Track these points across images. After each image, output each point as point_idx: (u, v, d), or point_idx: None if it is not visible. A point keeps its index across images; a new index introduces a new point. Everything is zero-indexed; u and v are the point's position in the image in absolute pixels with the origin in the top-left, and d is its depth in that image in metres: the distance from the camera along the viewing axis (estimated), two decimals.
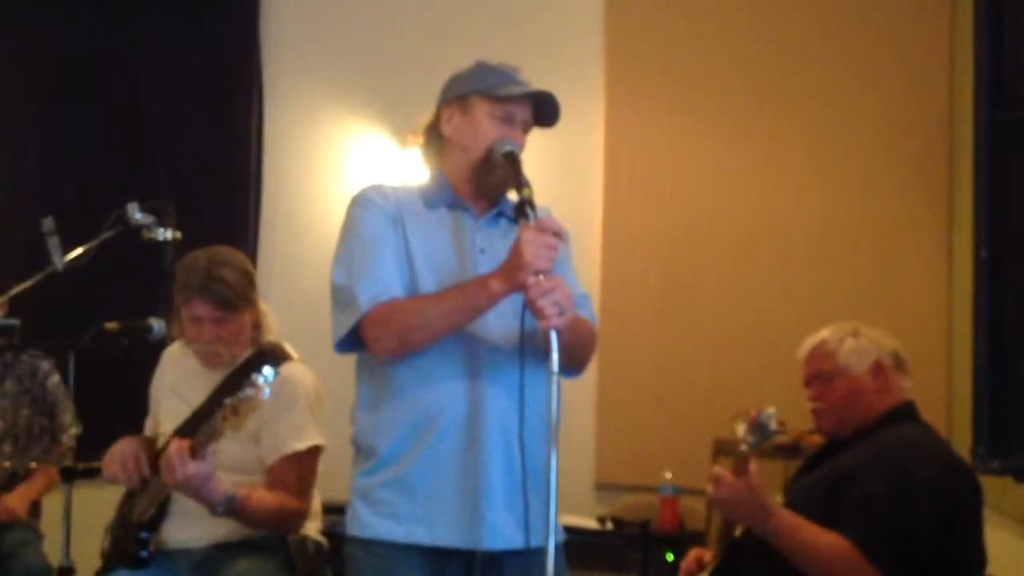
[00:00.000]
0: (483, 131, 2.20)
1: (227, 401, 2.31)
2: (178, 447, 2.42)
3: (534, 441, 2.10)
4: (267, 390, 2.26)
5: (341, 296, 2.15)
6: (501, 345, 2.13)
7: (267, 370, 2.29)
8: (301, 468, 2.68)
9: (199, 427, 2.46)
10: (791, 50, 4.29)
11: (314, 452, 2.72)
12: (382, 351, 2.12)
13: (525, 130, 2.24)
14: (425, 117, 2.31)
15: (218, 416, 2.34)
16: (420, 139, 2.32)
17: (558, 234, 2.05)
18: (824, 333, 2.60)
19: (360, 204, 2.22)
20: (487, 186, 2.22)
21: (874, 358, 2.52)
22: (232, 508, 2.53)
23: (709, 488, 2.43)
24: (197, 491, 2.48)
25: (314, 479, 2.74)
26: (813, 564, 2.33)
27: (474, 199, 2.24)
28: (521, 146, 2.22)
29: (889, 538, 2.28)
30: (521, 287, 2.03)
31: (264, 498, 2.60)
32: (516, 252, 2.02)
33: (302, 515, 2.70)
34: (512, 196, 2.20)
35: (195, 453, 2.41)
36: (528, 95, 2.22)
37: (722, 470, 2.43)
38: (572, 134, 4.40)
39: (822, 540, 2.33)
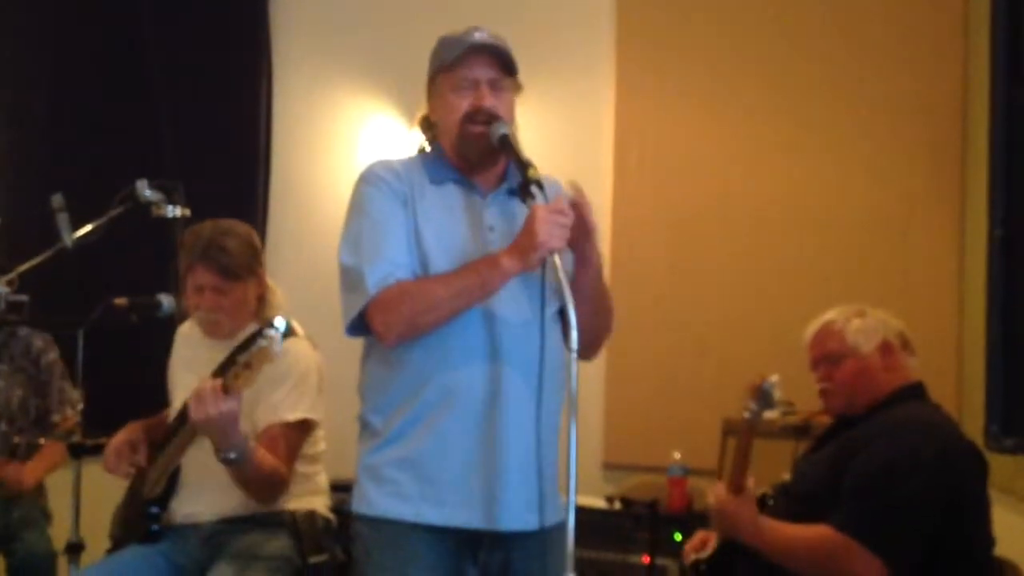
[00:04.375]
0: (451, 107, 2.16)
1: (240, 358, 2.28)
2: (212, 384, 2.36)
3: (551, 422, 2.10)
4: (280, 340, 2.22)
5: (349, 278, 2.13)
6: (517, 324, 2.11)
7: (279, 321, 2.25)
8: (290, 439, 2.68)
9: None
10: (802, 33, 4.26)
11: (303, 426, 2.71)
12: (391, 336, 2.09)
13: (496, 87, 2.16)
14: (423, 106, 2.29)
15: (230, 374, 2.31)
16: (418, 129, 2.30)
17: (564, 211, 2.02)
18: (829, 315, 2.61)
19: (369, 181, 2.18)
20: (473, 159, 2.17)
21: (882, 336, 2.53)
22: (245, 456, 2.49)
23: (709, 498, 2.50)
24: (224, 429, 2.41)
25: (297, 454, 2.71)
26: (804, 562, 2.36)
27: (479, 175, 2.21)
28: (499, 106, 2.13)
29: (881, 515, 2.29)
30: (533, 266, 2.02)
31: (266, 456, 2.59)
32: (528, 231, 2.00)
33: (286, 485, 2.68)
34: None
35: (227, 391, 2.36)
36: (475, 51, 2.12)
37: (720, 484, 2.50)
38: (582, 116, 4.40)
39: (804, 535, 2.36)
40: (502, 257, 2.04)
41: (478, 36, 2.16)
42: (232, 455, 2.48)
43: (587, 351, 2.15)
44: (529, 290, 2.12)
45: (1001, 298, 1.68)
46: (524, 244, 2.01)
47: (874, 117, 4.14)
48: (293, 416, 2.68)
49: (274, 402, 2.67)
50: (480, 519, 2.08)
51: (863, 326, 2.54)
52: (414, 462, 2.10)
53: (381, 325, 2.08)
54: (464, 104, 2.14)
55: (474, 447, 2.08)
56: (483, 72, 2.15)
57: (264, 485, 2.63)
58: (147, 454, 2.77)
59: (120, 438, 2.76)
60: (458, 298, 2.06)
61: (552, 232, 1.99)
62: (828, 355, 2.57)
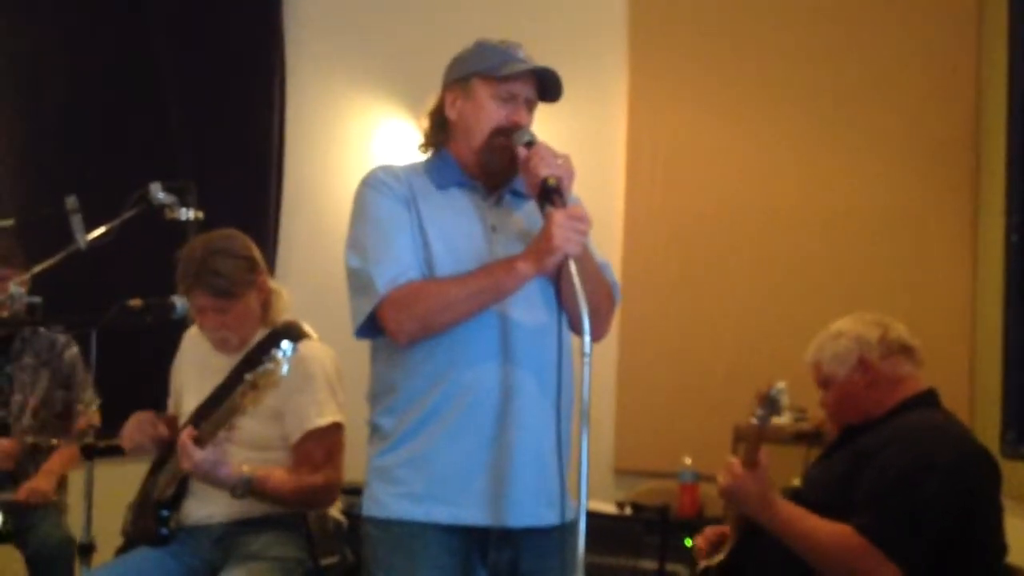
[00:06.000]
0: (485, 114, 2.18)
1: (247, 376, 2.32)
2: (184, 437, 2.46)
3: (570, 426, 2.11)
4: (286, 364, 2.27)
5: (357, 280, 2.14)
6: (531, 328, 2.12)
7: (285, 344, 2.30)
8: (325, 443, 2.69)
9: (219, 404, 2.48)
10: (814, 36, 4.26)
11: (336, 428, 2.72)
12: (403, 335, 2.10)
13: (530, 108, 2.21)
14: (431, 100, 2.29)
15: (237, 392, 2.35)
16: (425, 123, 2.29)
17: (581, 217, 2.02)
18: (813, 343, 2.64)
19: (372, 186, 2.20)
20: (493, 168, 2.19)
21: (856, 357, 2.53)
22: (251, 489, 2.55)
23: (720, 477, 2.47)
24: (208, 476, 2.52)
25: (341, 452, 2.74)
26: (816, 553, 2.35)
27: (483, 178, 2.22)
28: (527, 125, 2.19)
29: (899, 521, 2.28)
30: (549, 270, 2.03)
31: (283, 480, 2.62)
32: (547, 235, 2.00)
33: (330, 488, 2.71)
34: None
35: (201, 441, 2.45)
36: (530, 71, 2.18)
37: (735, 460, 2.47)
38: (595, 120, 4.41)
39: (824, 529, 2.35)
40: (518, 260, 2.05)
41: (522, 55, 2.20)
42: (238, 492, 2.54)
43: (594, 331, 2.07)
44: (546, 295, 2.12)
45: (1018, 304, 1.66)
46: (541, 248, 2.02)
47: (887, 121, 4.14)
48: (324, 421, 2.69)
49: (301, 411, 2.68)
50: (489, 517, 2.09)
51: (835, 352, 2.56)
52: (424, 461, 2.10)
53: (394, 323, 2.09)
54: (500, 115, 2.17)
55: (484, 447, 2.09)
56: (525, 90, 2.19)
57: (297, 502, 2.66)
58: (169, 430, 2.78)
59: (139, 415, 2.77)
60: (472, 299, 2.07)
61: (569, 237, 1.99)
62: (819, 382, 2.63)
